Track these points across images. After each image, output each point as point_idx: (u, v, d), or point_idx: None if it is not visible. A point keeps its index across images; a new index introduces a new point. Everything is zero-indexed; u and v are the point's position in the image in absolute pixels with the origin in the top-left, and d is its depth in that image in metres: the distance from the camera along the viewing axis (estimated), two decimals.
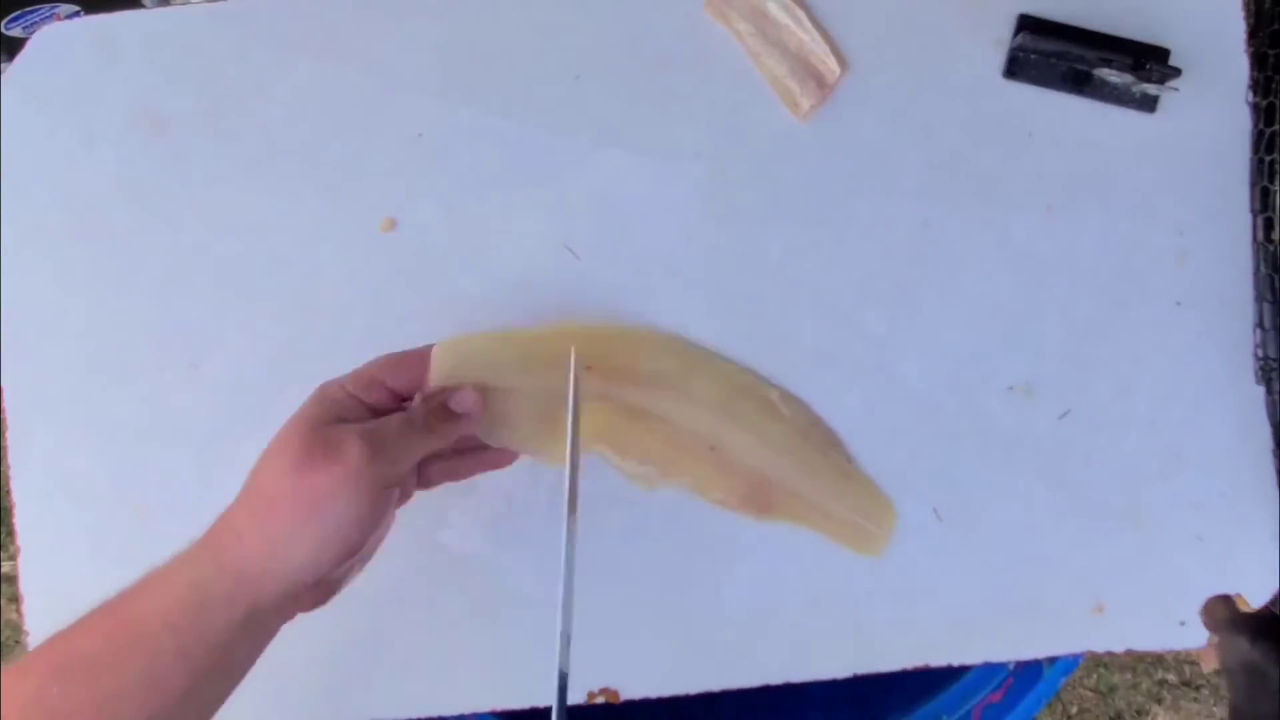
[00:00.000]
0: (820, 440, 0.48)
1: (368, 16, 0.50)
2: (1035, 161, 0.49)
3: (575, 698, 0.49)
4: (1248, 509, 0.48)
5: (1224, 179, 0.49)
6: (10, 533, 0.50)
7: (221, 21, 0.50)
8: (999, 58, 0.49)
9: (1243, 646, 0.45)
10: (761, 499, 0.48)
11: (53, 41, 0.50)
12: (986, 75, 0.49)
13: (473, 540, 0.49)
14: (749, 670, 0.48)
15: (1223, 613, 0.47)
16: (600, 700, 0.48)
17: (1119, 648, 0.48)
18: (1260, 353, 0.48)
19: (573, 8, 0.49)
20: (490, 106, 0.49)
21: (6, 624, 1.27)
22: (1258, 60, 0.48)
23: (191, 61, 0.50)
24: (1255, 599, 0.48)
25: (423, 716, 0.49)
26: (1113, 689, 1.19)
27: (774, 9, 0.49)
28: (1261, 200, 0.48)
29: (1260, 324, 0.48)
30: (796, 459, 0.48)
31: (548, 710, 0.49)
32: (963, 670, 0.51)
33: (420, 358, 0.44)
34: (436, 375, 0.45)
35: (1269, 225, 0.47)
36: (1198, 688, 1.19)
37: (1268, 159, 0.47)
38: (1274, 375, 0.47)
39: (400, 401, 0.43)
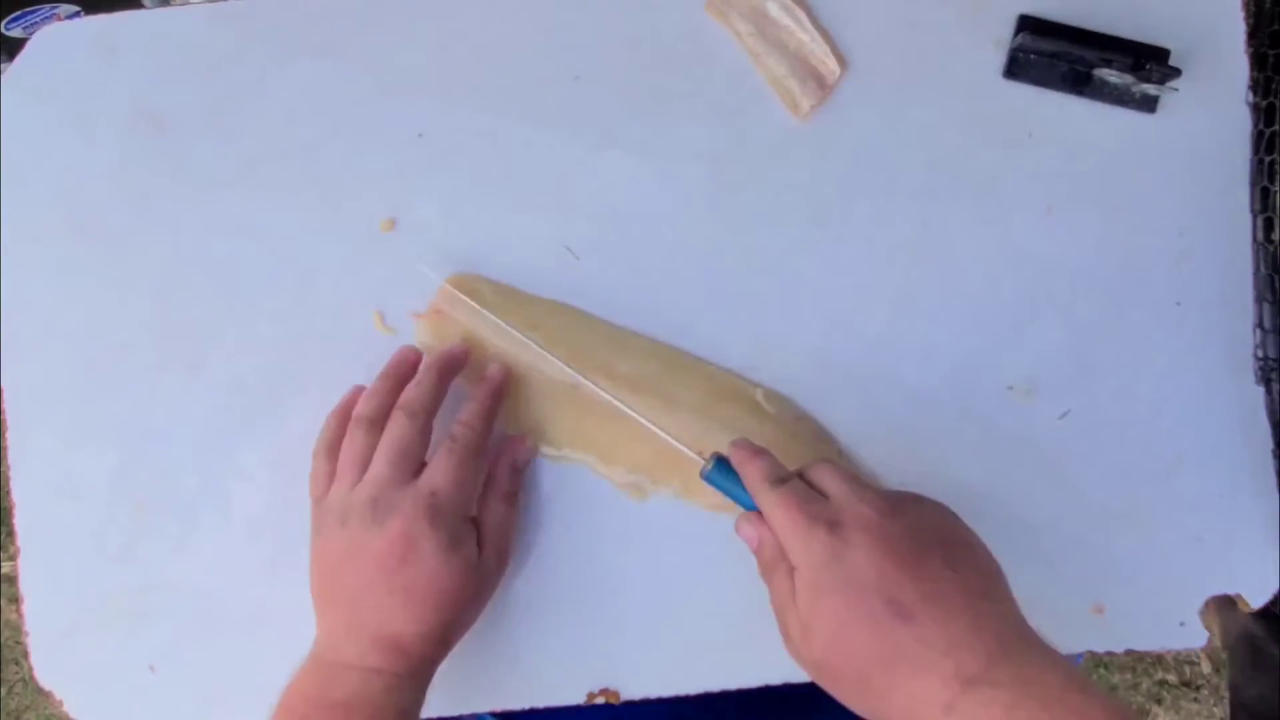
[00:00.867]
0: (809, 435, 0.48)
1: (367, 16, 0.50)
2: (1035, 161, 0.49)
3: (575, 698, 0.49)
4: (1248, 509, 0.48)
5: (1224, 179, 0.49)
6: (10, 533, 0.50)
7: (221, 21, 0.50)
8: (999, 58, 0.49)
9: (1243, 621, 0.46)
10: None
11: (53, 41, 0.50)
12: (986, 75, 0.49)
13: None
14: (749, 670, 0.48)
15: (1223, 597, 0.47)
16: (600, 700, 0.48)
17: (1119, 648, 0.48)
18: (1260, 353, 0.48)
19: (573, 8, 0.49)
20: (490, 106, 0.49)
21: (6, 624, 1.27)
22: (1258, 60, 0.48)
23: (191, 61, 0.50)
24: (1255, 599, 0.48)
25: (423, 717, 0.48)
26: (1113, 689, 1.19)
27: (774, 9, 0.49)
28: (1261, 200, 0.48)
29: (1260, 324, 0.48)
30: (785, 455, 0.47)
31: (548, 710, 0.49)
32: None
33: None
34: (441, 301, 0.48)
35: (1269, 225, 0.47)
36: (1198, 688, 1.19)
37: (1268, 159, 0.47)
38: (1274, 375, 0.47)
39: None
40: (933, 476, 0.49)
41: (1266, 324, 0.47)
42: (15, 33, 0.77)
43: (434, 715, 0.49)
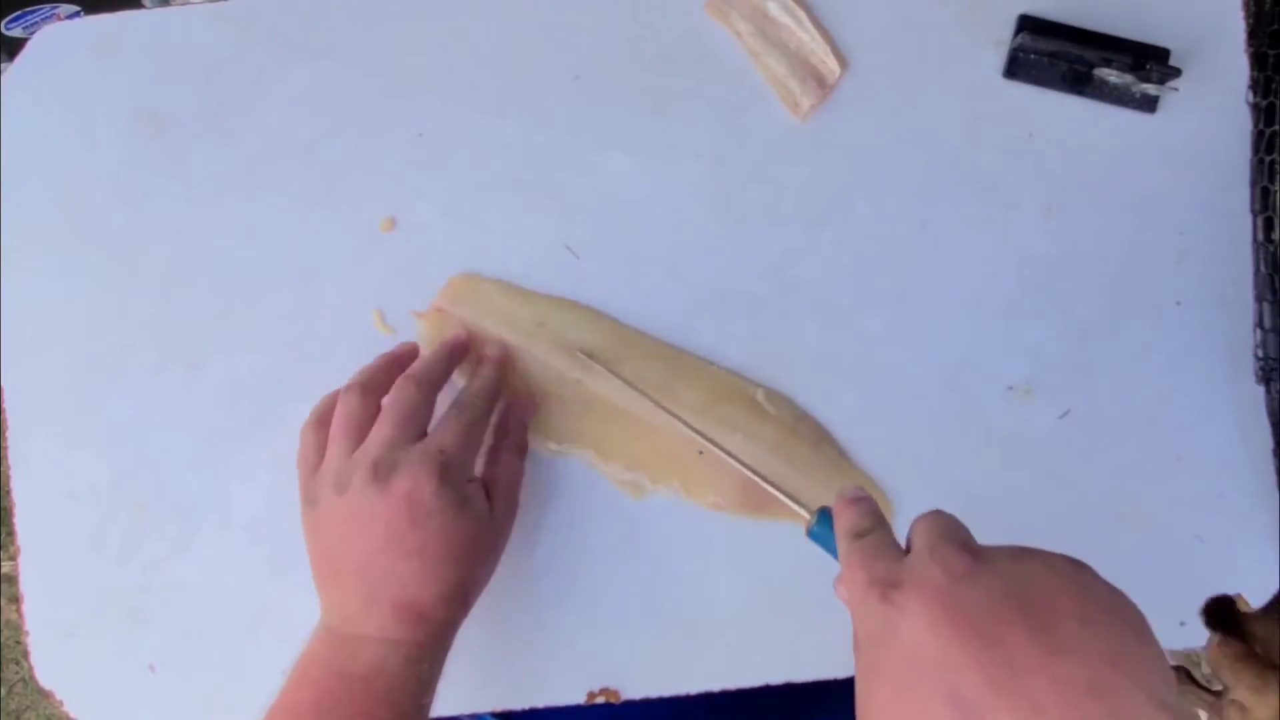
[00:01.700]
0: (809, 435, 0.48)
1: (368, 16, 0.50)
2: (1035, 161, 0.49)
3: (575, 698, 0.49)
4: (1248, 509, 0.48)
5: (1224, 179, 0.49)
6: (10, 533, 0.50)
7: (221, 21, 0.50)
8: (999, 58, 0.49)
9: None
10: (755, 499, 0.48)
11: (53, 41, 0.50)
12: (986, 75, 0.49)
13: None
14: (749, 670, 0.48)
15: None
16: (600, 700, 0.48)
17: None
18: (1260, 353, 0.48)
19: (573, 8, 0.49)
20: (490, 106, 0.49)
21: (6, 624, 1.27)
22: (1258, 60, 0.48)
23: (191, 61, 0.50)
24: (1255, 599, 0.48)
25: None
26: None
27: (774, 9, 0.49)
28: (1261, 200, 0.48)
29: (1260, 324, 0.48)
30: (787, 455, 0.48)
31: (547, 710, 0.49)
32: None
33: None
34: (443, 300, 0.48)
35: (1269, 225, 0.47)
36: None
37: (1268, 159, 0.47)
38: (1274, 375, 0.47)
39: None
40: (933, 476, 0.49)
41: (1266, 324, 0.47)
42: (15, 33, 0.77)
43: (434, 715, 0.48)
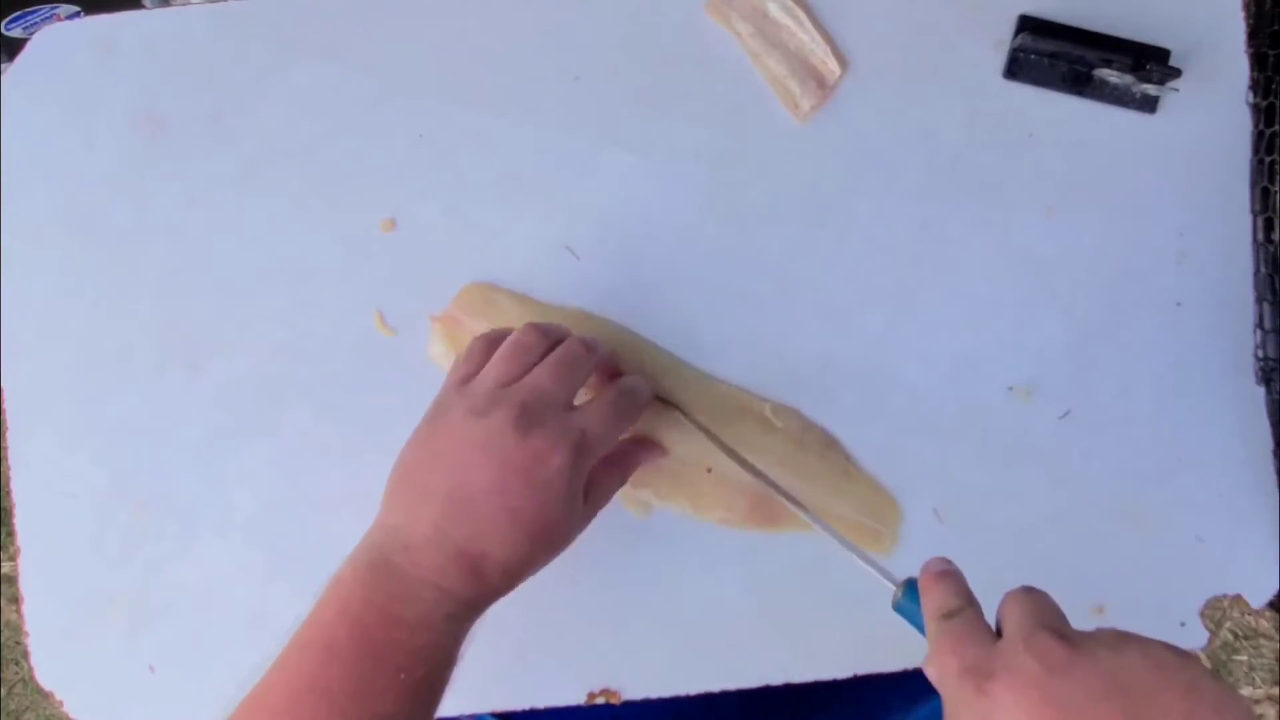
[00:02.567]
0: (816, 445, 0.48)
1: (367, 17, 0.50)
2: (1035, 162, 0.49)
3: (575, 698, 0.49)
4: (1248, 509, 0.48)
5: (1224, 179, 0.49)
6: (10, 533, 0.50)
7: (221, 21, 0.50)
8: (999, 58, 0.49)
9: None
10: (764, 513, 0.48)
11: (53, 41, 0.50)
12: (986, 76, 0.49)
13: None
14: (749, 670, 0.48)
15: None
16: (600, 700, 0.48)
17: None
18: (1260, 353, 0.48)
19: (573, 8, 0.49)
20: (490, 107, 0.49)
21: (6, 624, 1.27)
22: (1258, 60, 0.48)
23: (191, 61, 0.50)
24: (1255, 599, 0.48)
25: None
26: None
27: (774, 9, 0.49)
28: (1261, 200, 0.48)
29: (1260, 324, 0.48)
30: (795, 468, 0.47)
31: (547, 710, 0.49)
32: None
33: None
34: (456, 307, 0.48)
35: (1269, 225, 0.47)
36: None
37: (1268, 159, 0.47)
38: (1274, 375, 0.47)
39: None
40: (933, 476, 0.49)
41: (1266, 324, 0.47)
42: (15, 33, 0.77)
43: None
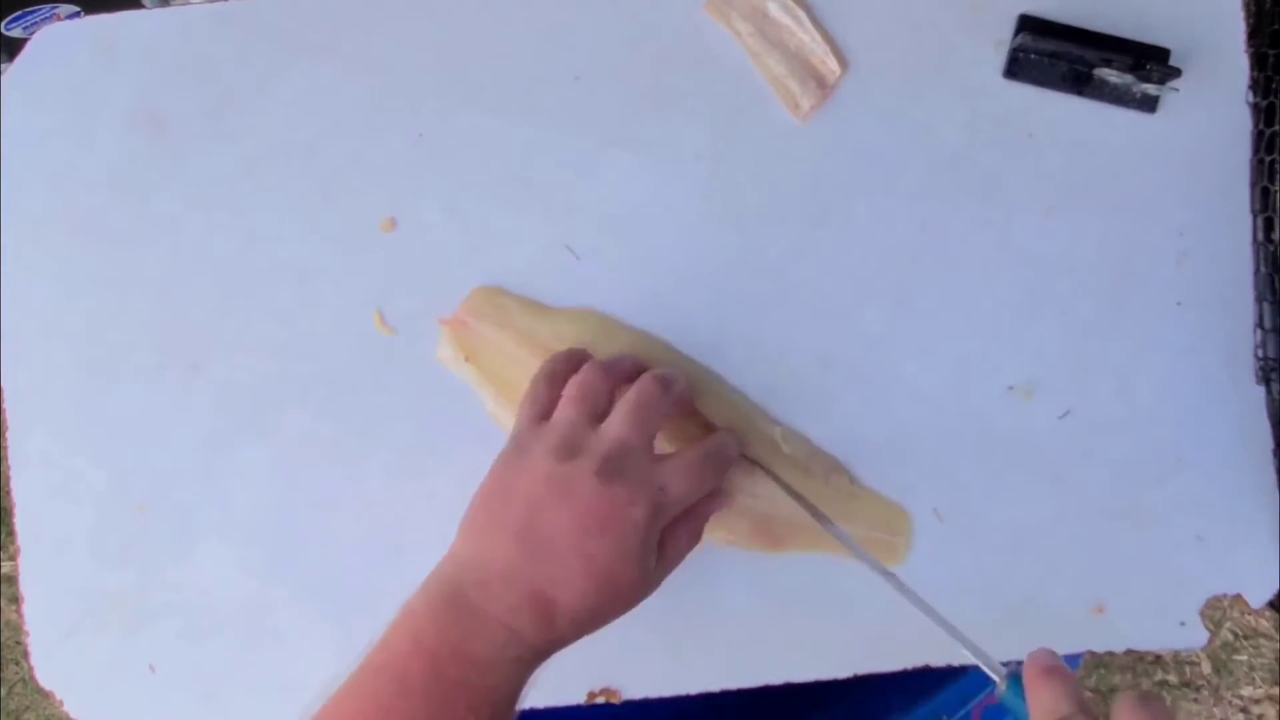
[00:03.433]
0: (820, 470, 0.48)
1: (368, 16, 0.50)
2: (1035, 162, 0.49)
3: (575, 698, 0.49)
4: (1248, 509, 0.48)
5: (1224, 179, 0.49)
6: (10, 533, 0.50)
7: (221, 21, 0.50)
8: (999, 58, 0.49)
9: None
10: (767, 535, 0.48)
11: (53, 41, 0.50)
12: (986, 75, 0.49)
13: None
14: (749, 670, 0.48)
15: None
16: (600, 700, 0.48)
17: (1119, 648, 0.48)
18: (1260, 353, 0.48)
19: (573, 8, 0.49)
20: (490, 106, 0.49)
21: (6, 624, 1.27)
22: (1258, 60, 0.48)
23: (191, 61, 0.50)
24: (1255, 599, 0.48)
25: None
26: (1113, 689, 1.19)
27: (774, 9, 0.49)
28: (1261, 200, 0.48)
29: (1260, 324, 0.48)
30: (800, 490, 0.47)
31: (546, 710, 0.49)
32: (963, 670, 0.51)
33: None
34: (465, 311, 0.48)
35: (1269, 225, 0.47)
36: (1198, 688, 1.19)
37: (1268, 159, 0.47)
38: (1274, 375, 0.47)
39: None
40: (933, 476, 0.49)
41: (1266, 324, 0.47)
42: (15, 33, 0.77)
43: None
